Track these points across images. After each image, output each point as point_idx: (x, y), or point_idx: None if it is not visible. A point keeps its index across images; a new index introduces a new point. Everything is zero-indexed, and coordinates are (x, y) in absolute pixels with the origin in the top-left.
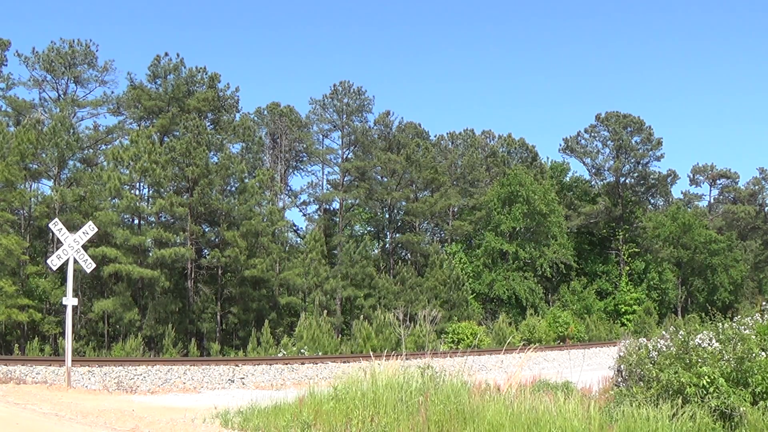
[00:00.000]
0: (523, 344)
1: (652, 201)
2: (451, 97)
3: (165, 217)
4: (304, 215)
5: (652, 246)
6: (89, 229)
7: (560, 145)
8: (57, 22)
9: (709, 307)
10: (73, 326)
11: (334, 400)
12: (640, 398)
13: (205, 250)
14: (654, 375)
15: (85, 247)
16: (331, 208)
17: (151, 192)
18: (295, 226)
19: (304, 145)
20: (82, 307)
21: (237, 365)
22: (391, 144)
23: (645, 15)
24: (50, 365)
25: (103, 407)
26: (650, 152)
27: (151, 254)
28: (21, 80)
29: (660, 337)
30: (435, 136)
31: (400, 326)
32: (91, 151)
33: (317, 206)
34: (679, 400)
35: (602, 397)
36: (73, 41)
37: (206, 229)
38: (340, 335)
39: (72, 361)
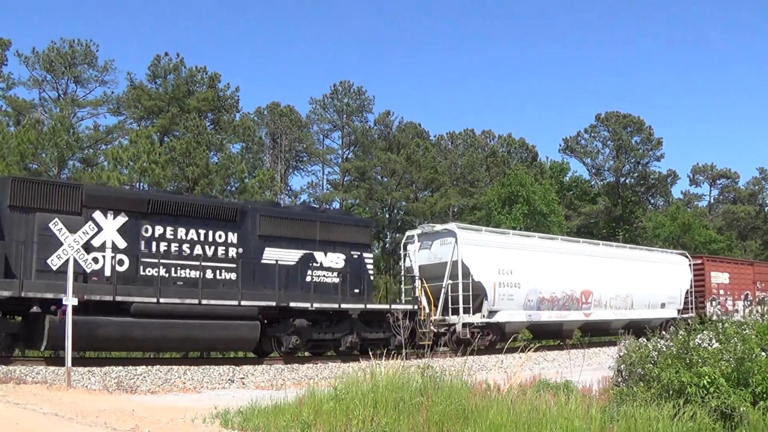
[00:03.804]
0: (523, 344)
1: (652, 201)
2: (451, 97)
3: None
4: None
5: (652, 246)
6: (89, 229)
7: (560, 145)
8: (57, 22)
9: None
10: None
11: (334, 400)
12: (641, 398)
13: None
14: (654, 375)
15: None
16: (332, 208)
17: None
18: None
19: (304, 145)
20: None
21: (237, 365)
22: (391, 144)
23: (645, 15)
24: (50, 365)
25: (103, 407)
26: (650, 152)
27: None
28: (21, 80)
29: (660, 337)
30: (435, 136)
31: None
32: (91, 151)
33: (317, 206)
34: (681, 401)
35: (602, 397)
36: (73, 41)
37: None
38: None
39: (72, 360)
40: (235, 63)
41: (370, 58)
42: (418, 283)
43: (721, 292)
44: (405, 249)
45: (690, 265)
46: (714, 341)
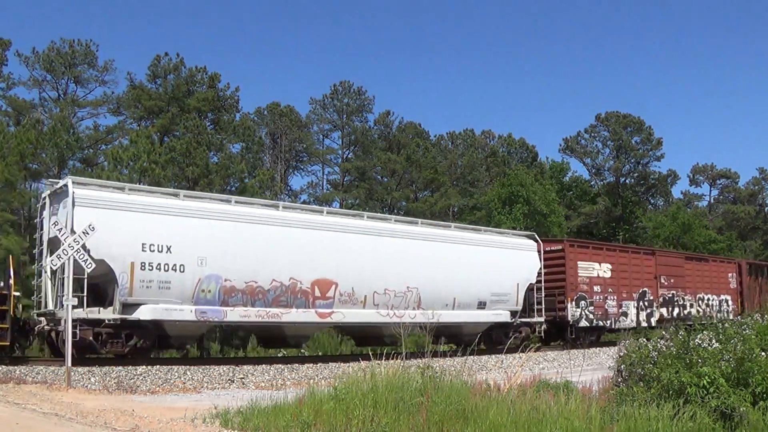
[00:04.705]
0: (524, 344)
1: (652, 201)
2: (451, 97)
3: None
4: None
5: (652, 246)
6: (89, 229)
7: (560, 145)
8: (57, 22)
9: None
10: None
11: (334, 400)
12: (641, 398)
13: None
14: (654, 375)
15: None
16: (328, 206)
17: None
18: None
19: (304, 145)
20: None
21: (237, 365)
22: (391, 144)
23: (644, 15)
24: (50, 365)
25: (103, 407)
26: (650, 152)
27: None
28: (21, 80)
29: (660, 337)
30: (435, 136)
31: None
32: (91, 151)
33: (316, 205)
34: (681, 401)
35: (602, 397)
36: (73, 41)
37: None
38: (340, 335)
39: (72, 360)
40: (235, 63)
41: (370, 58)
42: (45, 262)
43: (597, 288)
44: (41, 215)
45: (540, 251)
46: (714, 341)
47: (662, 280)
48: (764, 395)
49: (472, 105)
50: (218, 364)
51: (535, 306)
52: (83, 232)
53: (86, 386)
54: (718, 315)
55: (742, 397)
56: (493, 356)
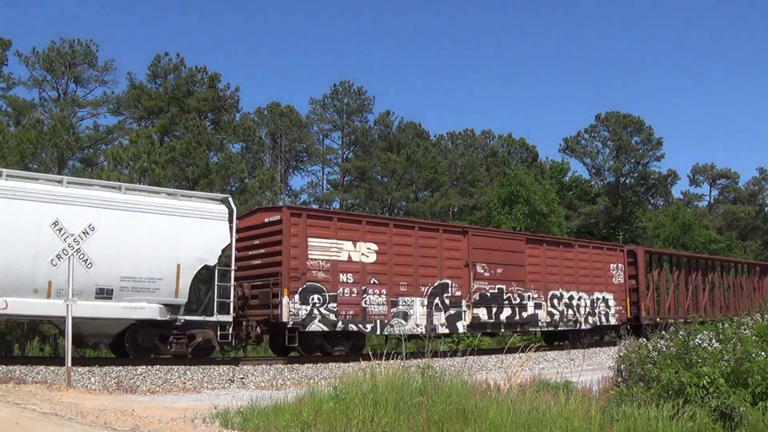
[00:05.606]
0: (524, 344)
1: (652, 201)
2: (451, 96)
3: None
4: None
5: (652, 246)
6: (89, 229)
7: (560, 145)
8: (57, 22)
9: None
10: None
11: (334, 400)
12: (641, 398)
13: None
14: (654, 375)
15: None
16: (332, 209)
17: None
18: None
19: (304, 145)
20: None
21: (237, 365)
22: (391, 144)
23: (645, 15)
24: (50, 365)
25: (103, 407)
26: (650, 152)
27: None
28: (21, 80)
29: (660, 337)
30: (435, 136)
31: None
32: (91, 151)
33: (317, 206)
34: (680, 401)
35: (602, 397)
36: (73, 41)
37: None
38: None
39: (72, 360)
40: (235, 63)
41: (370, 58)
42: None
43: (347, 278)
44: None
45: (231, 227)
46: (714, 341)
47: (479, 270)
48: (764, 395)
49: (472, 105)
50: (218, 364)
51: (215, 299)
52: (83, 232)
53: (86, 386)
54: (591, 319)
55: (742, 397)
56: (493, 356)
